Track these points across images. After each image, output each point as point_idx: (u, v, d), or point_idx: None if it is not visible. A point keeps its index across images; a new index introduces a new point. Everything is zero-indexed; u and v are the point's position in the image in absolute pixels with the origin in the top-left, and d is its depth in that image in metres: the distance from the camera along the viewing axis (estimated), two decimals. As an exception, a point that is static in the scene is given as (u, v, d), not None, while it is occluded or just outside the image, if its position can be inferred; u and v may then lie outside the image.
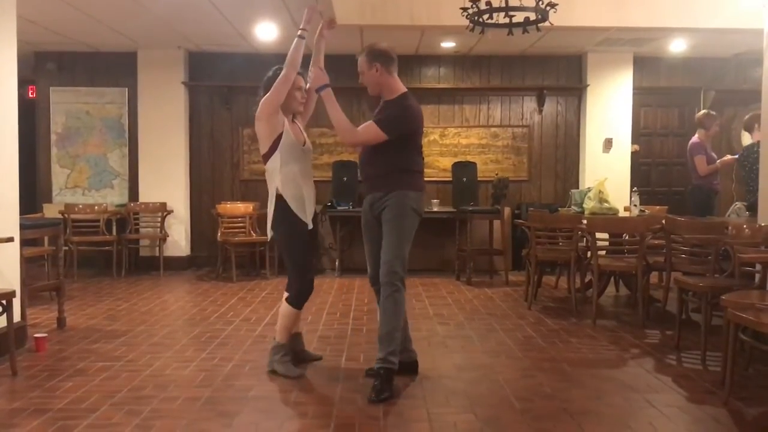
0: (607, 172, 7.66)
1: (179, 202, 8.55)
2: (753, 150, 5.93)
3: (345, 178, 8.29)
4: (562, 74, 8.82)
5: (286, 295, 4.07)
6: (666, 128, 9.01)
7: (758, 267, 4.49)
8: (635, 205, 6.42)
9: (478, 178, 8.54)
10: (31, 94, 8.92)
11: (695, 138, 6.91)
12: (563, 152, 8.87)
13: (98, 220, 8.07)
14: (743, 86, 8.52)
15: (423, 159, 4.00)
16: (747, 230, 4.70)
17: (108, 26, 7.23)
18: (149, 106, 8.48)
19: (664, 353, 4.62)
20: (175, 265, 8.39)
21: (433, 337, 5.02)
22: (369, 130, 3.80)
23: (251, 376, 4.02)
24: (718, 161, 6.84)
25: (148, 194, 8.49)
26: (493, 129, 8.81)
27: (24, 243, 4.82)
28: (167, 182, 8.49)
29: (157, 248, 8.29)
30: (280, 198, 3.97)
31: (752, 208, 5.65)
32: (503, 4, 4.96)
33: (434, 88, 8.74)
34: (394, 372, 3.71)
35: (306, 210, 4.03)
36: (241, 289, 7.05)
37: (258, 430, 3.20)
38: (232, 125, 8.78)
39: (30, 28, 7.06)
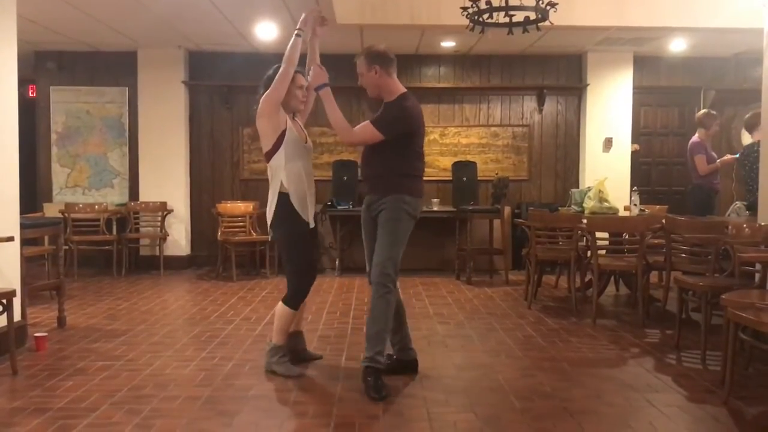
0: (607, 171, 7.65)
1: (179, 201, 8.55)
2: (753, 149, 5.92)
3: (345, 178, 8.29)
4: (562, 74, 8.82)
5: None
6: (666, 128, 9.02)
7: (758, 266, 4.49)
8: (635, 205, 6.42)
9: (478, 178, 8.53)
10: (32, 93, 8.93)
11: (695, 137, 6.91)
12: (563, 152, 8.87)
13: (98, 220, 8.07)
14: (743, 86, 8.52)
15: (424, 164, 3.98)
16: (747, 230, 4.70)
17: (108, 25, 7.23)
18: (149, 105, 8.48)
19: (664, 352, 4.62)
20: (175, 264, 8.39)
21: (433, 336, 5.03)
22: (365, 130, 3.80)
23: (251, 375, 4.02)
24: (718, 161, 6.84)
25: (148, 193, 8.49)
26: (493, 128, 8.81)
27: (24, 242, 4.82)
28: (167, 181, 8.49)
29: (158, 247, 8.29)
30: (282, 196, 3.97)
31: (752, 208, 5.65)
32: (503, 4, 4.95)
33: (434, 87, 8.74)
34: (381, 372, 3.72)
35: (308, 208, 4.03)
36: (241, 289, 7.06)
37: (258, 429, 3.20)
38: (232, 125, 8.78)
39: (30, 28, 7.06)
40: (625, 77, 8.53)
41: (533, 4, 5.02)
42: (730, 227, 4.83)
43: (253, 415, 3.37)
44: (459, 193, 8.42)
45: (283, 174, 3.95)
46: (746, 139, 6.96)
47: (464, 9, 5.18)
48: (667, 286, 5.45)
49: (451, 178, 8.60)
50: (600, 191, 6.31)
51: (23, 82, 6.76)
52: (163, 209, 8.35)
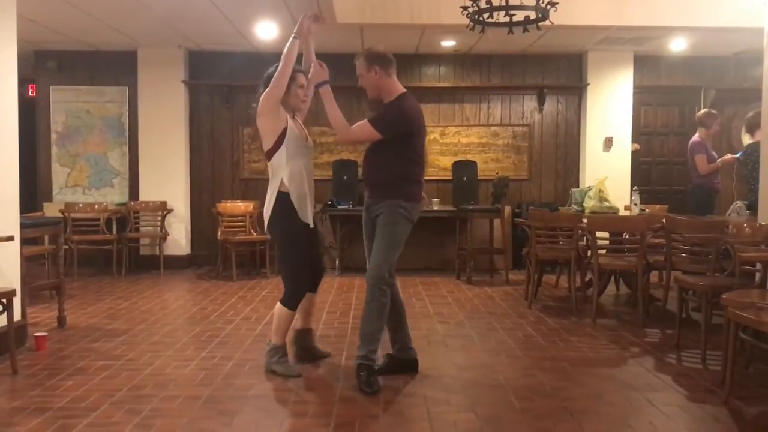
0: (607, 170, 7.65)
1: (179, 200, 8.55)
2: (756, 149, 5.91)
3: (345, 177, 8.29)
4: (562, 73, 8.81)
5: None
6: (666, 127, 9.01)
7: (758, 266, 4.49)
8: (635, 204, 6.42)
9: (479, 177, 8.53)
10: (32, 92, 8.93)
11: (696, 137, 6.90)
12: (563, 151, 8.87)
13: (98, 219, 8.07)
14: (744, 85, 8.52)
15: (424, 169, 3.98)
16: (747, 229, 4.70)
17: (108, 25, 7.23)
18: (149, 105, 8.48)
19: (664, 352, 4.62)
20: (176, 264, 8.39)
21: (433, 335, 5.03)
22: (363, 128, 3.82)
23: (251, 374, 4.02)
24: (719, 160, 6.83)
25: (148, 193, 8.49)
26: (493, 128, 8.81)
27: (24, 242, 4.82)
28: (167, 181, 8.49)
29: (158, 247, 8.29)
30: (281, 194, 3.96)
31: (753, 207, 5.65)
32: (503, 3, 4.96)
33: (434, 87, 8.74)
34: (374, 370, 3.76)
35: (308, 208, 4.03)
36: (241, 288, 7.05)
37: (258, 428, 3.20)
38: (232, 124, 8.78)
39: (30, 27, 7.05)
40: (625, 77, 8.53)
41: (533, 3, 5.02)
42: (730, 227, 4.83)
43: (253, 415, 3.36)
44: (459, 193, 8.41)
45: (285, 172, 3.94)
46: (746, 139, 6.96)
47: (464, 8, 5.18)
48: (668, 285, 5.45)
49: (451, 178, 8.59)
50: (600, 191, 6.31)
51: (23, 82, 6.77)
52: (163, 209, 8.35)
